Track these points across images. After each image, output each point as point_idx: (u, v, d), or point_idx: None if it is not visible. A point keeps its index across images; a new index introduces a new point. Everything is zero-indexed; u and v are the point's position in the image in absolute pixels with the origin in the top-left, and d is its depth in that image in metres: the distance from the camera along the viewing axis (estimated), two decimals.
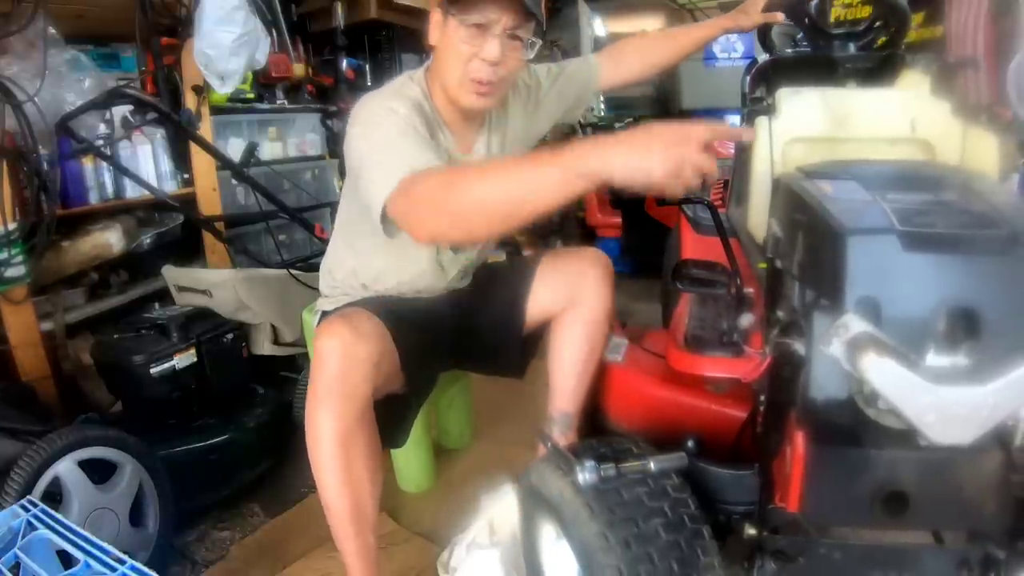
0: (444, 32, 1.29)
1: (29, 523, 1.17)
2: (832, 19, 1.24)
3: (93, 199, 2.18)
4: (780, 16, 1.45)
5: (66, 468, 1.36)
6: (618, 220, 3.89)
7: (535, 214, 0.95)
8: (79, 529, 1.16)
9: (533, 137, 1.57)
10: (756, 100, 1.46)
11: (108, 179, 2.23)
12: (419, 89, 1.37)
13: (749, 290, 1.42)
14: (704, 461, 1.13)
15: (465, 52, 1.26)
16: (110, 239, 2.16)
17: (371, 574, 1.27)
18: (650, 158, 0.84)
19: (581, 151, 0.89)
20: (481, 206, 0.99)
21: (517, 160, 1.07)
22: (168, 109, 2.12)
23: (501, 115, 1.48)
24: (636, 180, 0.85)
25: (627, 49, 1.64)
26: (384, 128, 1.21)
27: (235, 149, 2.50)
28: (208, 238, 2.46)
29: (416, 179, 1.06)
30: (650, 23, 6.06)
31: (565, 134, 3.63)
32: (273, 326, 2.09)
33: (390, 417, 1.46)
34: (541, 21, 1.29)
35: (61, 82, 2.00)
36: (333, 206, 1.83)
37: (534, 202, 0.95)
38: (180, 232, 2.43)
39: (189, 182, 2.47)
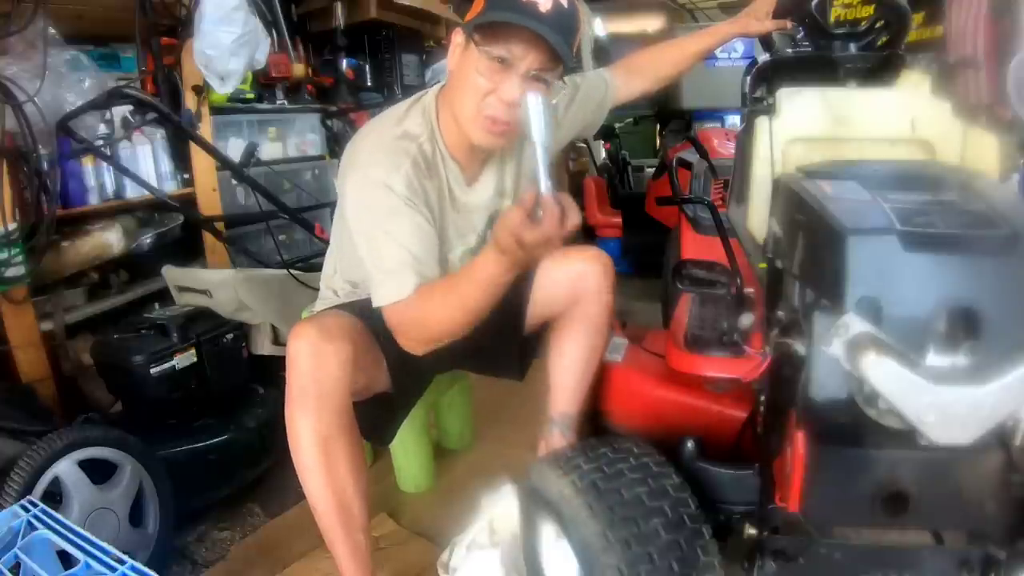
0: (464, 59, 1.20)
1: (29, 523, 1.16)
2: (832, 19, 1.24)
3: (93, 199, 2.17)
4: (789, 23, 1.44)
5: (66, 468, 1.36)
6: (618, 220, 3.89)
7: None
8: (79, 529, 1.16)
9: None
10: (756, 100, 1.46)
11: (108, 179, 2.22)
12: (423, 122, 1.31)
13: (749, 290, 1.42)
14: (704, 461, 1.13)
15: (482, 86, 1.17)
16: (110, 239, 2.16)
17: (364, 575, 1.27)
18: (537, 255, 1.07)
19: (509, 265, 1.07)
20: (453, 326, 1.18)
21: (471, 281, 1.14)
22: (168, 109, 2.12)
23: (517, 143, 1.44)
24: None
25: (639, 62, 1.64)
26: (378, 219, 1.21)
27: (235, 149, 2.49)
28: (208, 238, 2.45)
29: (400, 308, 1.19)
30: (650, 23, 6.06)
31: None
32: (273, 326, 2.09)
33: (377, 414, 1.45)
34: (569, 66, 1.21)
35: (61, 82, 1.99)
36: (333, 206, 1.83)
37: (489, 303, 1.14)
38: (180, 232, 2.42)
39: (189, 182, 2.46)
